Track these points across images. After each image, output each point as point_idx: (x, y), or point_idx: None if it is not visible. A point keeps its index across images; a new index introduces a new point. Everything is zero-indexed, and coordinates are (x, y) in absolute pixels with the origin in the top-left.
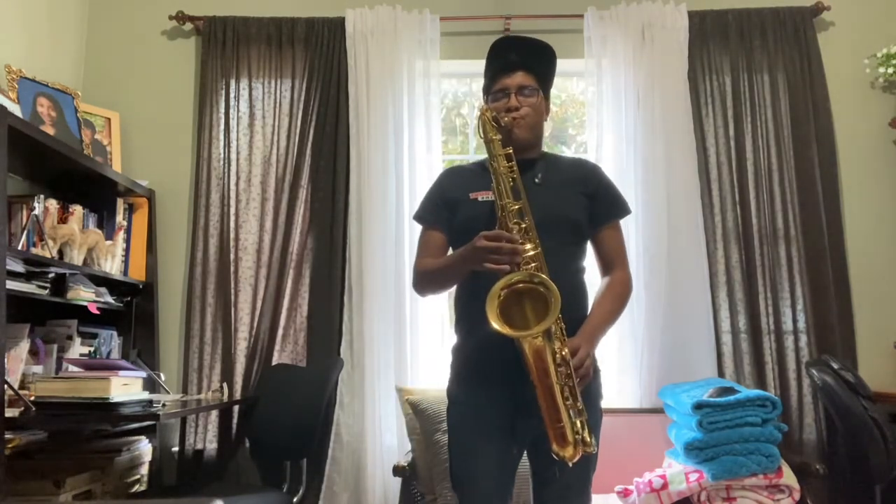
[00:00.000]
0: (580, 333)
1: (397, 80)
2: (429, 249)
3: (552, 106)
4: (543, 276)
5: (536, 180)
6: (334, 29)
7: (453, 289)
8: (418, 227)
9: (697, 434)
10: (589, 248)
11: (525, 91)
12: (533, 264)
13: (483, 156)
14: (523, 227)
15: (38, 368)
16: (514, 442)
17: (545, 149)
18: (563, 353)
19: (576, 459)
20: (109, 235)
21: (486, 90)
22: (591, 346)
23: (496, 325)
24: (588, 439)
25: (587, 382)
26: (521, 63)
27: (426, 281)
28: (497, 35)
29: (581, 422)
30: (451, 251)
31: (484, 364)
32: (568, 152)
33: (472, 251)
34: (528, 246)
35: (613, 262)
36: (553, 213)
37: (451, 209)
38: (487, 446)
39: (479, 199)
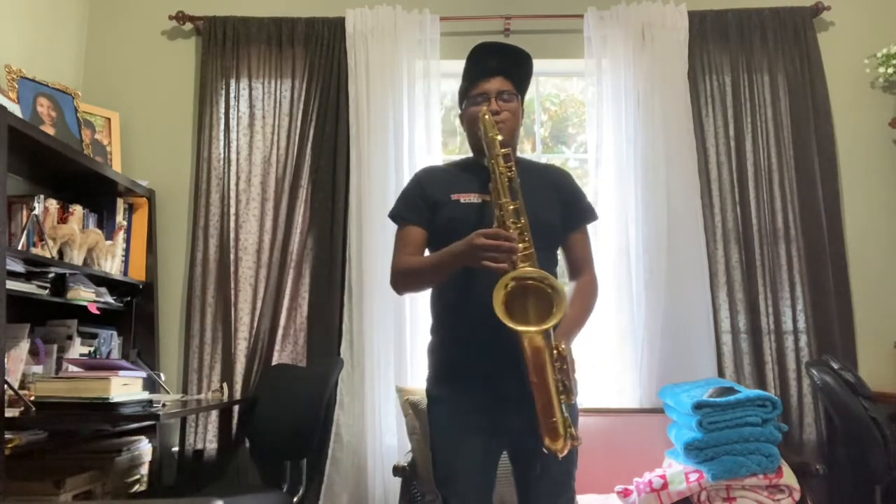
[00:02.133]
0: (557, 333)
1: (397, 80)
2: (409, 247)
3: (551, 106)
4: (551, 276)
5: None
6: (334, 29)
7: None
8: None
9: (697, 434)
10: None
11: (504, 95)
12: (527, 264)
13: (453, 157)
14: (519, 226)
15: (38, 368)
16: (494, 438)
17: (542, 149)
18: (560, 348)
19: (565, 452)
20: (109, 235)
21: (464, 94)
22: (569, 345)
23: (501, 316)
24: (575, 433)
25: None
26: (500, 69)
27: (408, 279)
28: (497, 35)
29: (571, 417)
30: (427, 252)
31: (462, 362)
32: (568, 152)
33: (468, 248)
34: (522, 245)
35: (583, 266)
36: (533, 217)
37: (431, 209)
38: (468, 444)
39: (462, 200)
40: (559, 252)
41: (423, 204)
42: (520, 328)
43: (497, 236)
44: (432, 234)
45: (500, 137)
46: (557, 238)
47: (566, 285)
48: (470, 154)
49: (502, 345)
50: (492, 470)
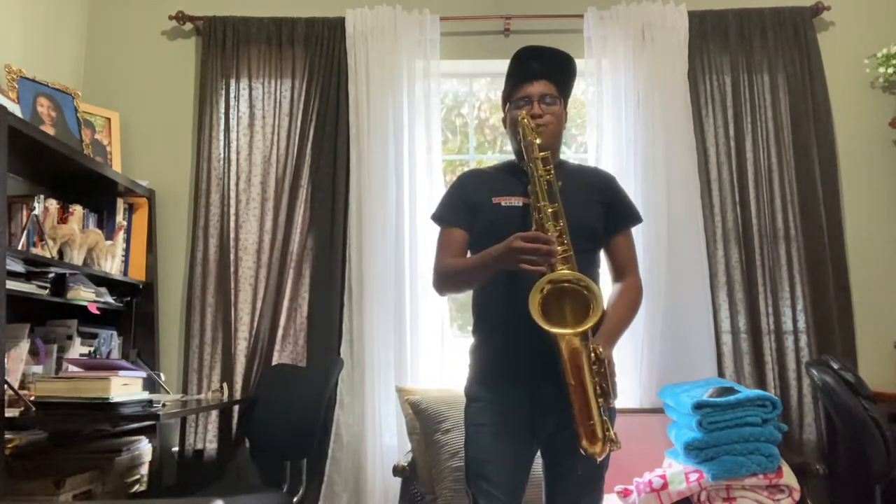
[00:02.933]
0: (599, 335)
1: (397, 80)
2: (451, 249)
3: None
4: (587, 279)
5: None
6: (334, 29)
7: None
8: (419, 227)
9: (697, 434)
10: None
11: (547, 99)
12: (565, 266)
13: (489, 156)
14: (558, 228)
15: (38, 368)
16: (530, 441)
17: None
18: (598, 351)
19: (603, 456)
20: (109, 235)
21: (508, 97)
22: (611, 348)
23: (537, 318)
24: (615, 437)
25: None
26: (543, 72)
27: (450, 280)
28: (498, 35)
29: (608, 420)
30: (469, 254)
31: (504, 364)
32: (568, 152)
33: (507, 251)
34: (561, 248)
35: (626, 269)
36: (573, 220)
37: (473, 211)
38: (506, 445)
39: (503, 203)
40: (602, 255)
41: (465, 206)
42: (556, 330)
43: (536, 239)
44: (474, 236)
45: (538, 141)
46: (599, 241)
47: (613, 286)
48: (513, 157)
49: (541, 347)
50: (524, 473)
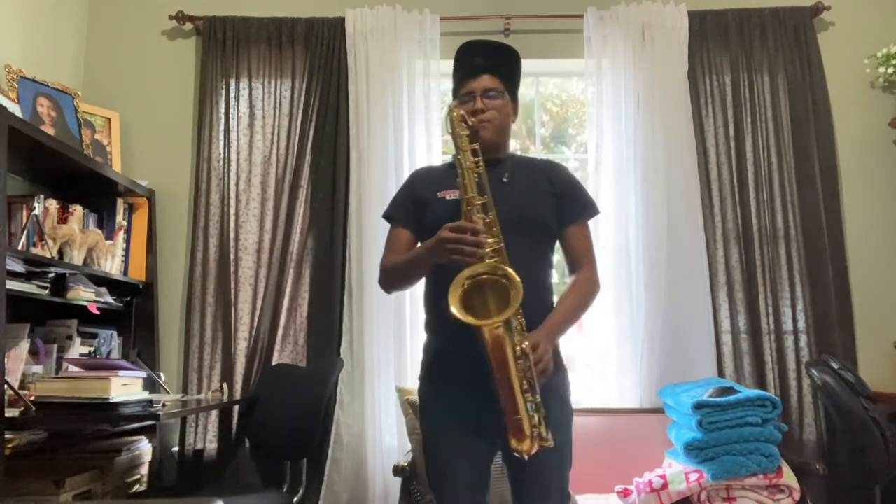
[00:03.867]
0: (540, 329)
1: (397, 80)
2: (396, 247)
3: (552, 106)
4: (507, 268)
5: (504, 179)
6: (334, 29)
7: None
8: None
9: (697, 434)
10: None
11: (490, 94)
12: (495, 258)
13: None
14: (487, 221)
15: (38, 368)
16: (485, 437)
17: (542, 149)
18: (524, 346)
19: (532, 453)
20: (109, 235)
21: (455, 94)
22: (550, 342)
23: (457, 313)
24: (545, 434)
25: (547, 377)
26: (486, 66)
27: (392, 276)
28: (498, 35)
29: (539, 417)
30: None
31: (452, 360)
32: (568, 152)
33: (436, 243)
34: (491, 240)
35: (580, 261)
36: (519, 212)
37: (420, 207)
38: (460, 443)
39: (448, 197)
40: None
41: (412, 203)
42: (474, 322)
43: (462, 229)
44: (423, 232)
45: (466, 133)
46: (549, 232)
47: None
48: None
49: (483, 343)
50: (485, 470)
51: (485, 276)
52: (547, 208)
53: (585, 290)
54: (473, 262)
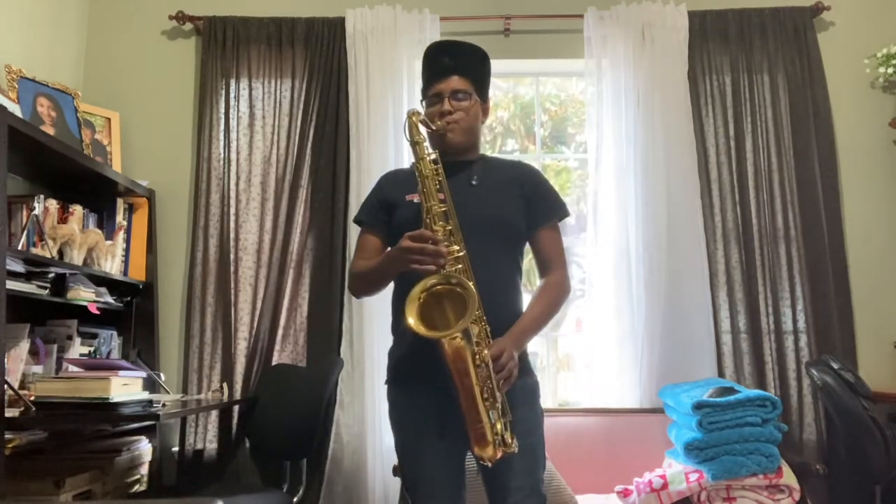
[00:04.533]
0: (506, 335)
1: (397, 80)
2: (364, 252)
3: (551, 106)
4: (460, 276)
5: (473, 182)
6: (334, 29)
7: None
8: None
9: (697, 434)
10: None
11: (458, 95)
12: (459, 266)
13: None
14: (448, 228)
15: (38, 368)
16: (452, 439)
17: (542, 149)
18: (483, 354)
19: (496, 459)
20: (109, 235)
21: (423, 95)
22: (516, 348)
23: (415, 326)
24: (509, 440)
25: (511, 384)
26: (454, 67)
27: (360, 282)
28: (498, 35)
29: (504, 423)
30: None
31: (416, 364)
32: (567, 152)
33: (397, 252)
34: (455, 248)
35: (550, 264)
36: (488, 215)
37: (389, 211)
38: (429, 446)
39: (415, 200)
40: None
41: (381, 207)
42: (431, 334)
43: (422, 238)
44: (391, 235)
45: (423, 140)
46: (518, 234)
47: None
48: None
49: (441, 350)
50: (457, 468)
51: (439, 287)
52: (515, 210)
53: (555, 294)
54: (432, 270)
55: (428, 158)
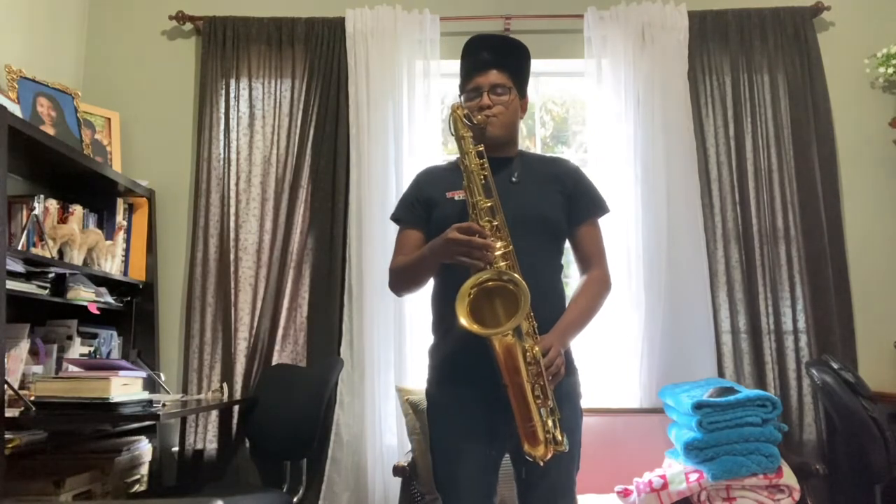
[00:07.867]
0: (552, 332)
1: (397, 80)
2: (404, 248)
3: (553, 106)
4: (513, 273)
5: (513, 179)
6: (334, 29)
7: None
8: None
9: (697, 434)
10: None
11: (498, 90)
12: (504, 262)
13: (453, 157)
14: (494, 224)
15: (38, 368)
16: (494, 443)
17: (542, 149)
18: (534, 351)
19: (547, 458)
20: (109, 235)
21: (462, 89)
22: (562, 345)
23: (466, 323)
24: (560, 438)
25: (559, 381)
26: (494, 62)
27: (399, 278)
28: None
29: (553, 420)
30: None
31: (461, 364)
32: (568, 152)
33: (443, 244)
34: (500, 244)
35: (591, 260)
36: (529, 212)
37: (428, 208)
38: (468, 448)
39: (456, 197)
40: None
41: (420, 205)
42: (484, 332)
43: (470, 230)
44: (430, 232)
45: (469, 135)
46: (559, 231)
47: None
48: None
49: (493, 350)
50: (492, 474)
51: (490, 283)
52: (556, 207)
53: (597, 290)
54: (480, 265)
55: (473, 152)
